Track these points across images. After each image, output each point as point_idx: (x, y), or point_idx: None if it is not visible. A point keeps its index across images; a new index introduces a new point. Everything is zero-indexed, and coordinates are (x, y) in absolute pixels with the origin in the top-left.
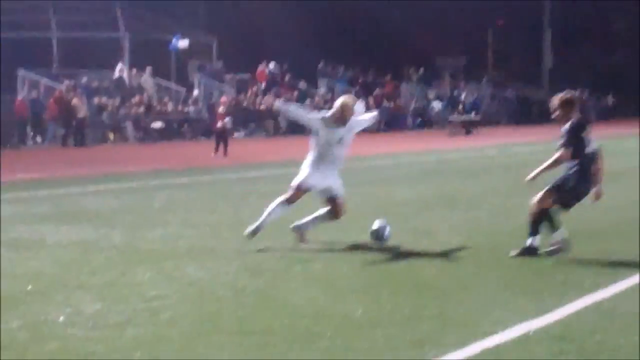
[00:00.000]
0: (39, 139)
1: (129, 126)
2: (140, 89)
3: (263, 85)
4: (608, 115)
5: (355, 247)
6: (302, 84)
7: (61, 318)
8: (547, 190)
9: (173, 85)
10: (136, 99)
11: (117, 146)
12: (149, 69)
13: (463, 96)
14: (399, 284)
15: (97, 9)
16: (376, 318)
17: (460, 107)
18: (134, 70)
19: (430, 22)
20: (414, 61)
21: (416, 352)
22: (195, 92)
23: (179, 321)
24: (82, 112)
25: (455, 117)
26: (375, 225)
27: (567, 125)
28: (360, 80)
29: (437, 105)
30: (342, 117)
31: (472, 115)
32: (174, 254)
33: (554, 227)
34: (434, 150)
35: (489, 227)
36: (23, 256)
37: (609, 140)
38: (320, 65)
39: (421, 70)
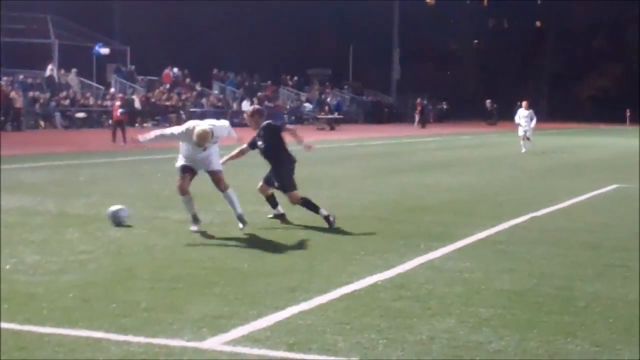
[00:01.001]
0: None
1: (57, 116)
2: (67, 86)
3: (168, 85)
4: (443, 118)
5: (247, 215)
6: (199, 86)
7: (7, 266)
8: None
9: (94, 84)
10: (63, 93)
11: (48, 132)
12: (74, 70)
13: (329, 99)
14: (276, 245)
15: (32, 19)
16: (258, 270)
17: (327, 108)
18: (62, 70)
19: (303, 39)
20: (290, 70)
21: (290, 296)
22: (112, 90)
23: (103, 270)
24: (19, 103)
25: (322, 115)
26: (114, 208)
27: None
28: (246, 84)
29: (308, 105)
30: (200, 143)
31: (336, 114)
32: (97, 218)
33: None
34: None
35: (347, 202)
36: None
37: (445, 137)
38: (214, 71)
39: (295, 78)
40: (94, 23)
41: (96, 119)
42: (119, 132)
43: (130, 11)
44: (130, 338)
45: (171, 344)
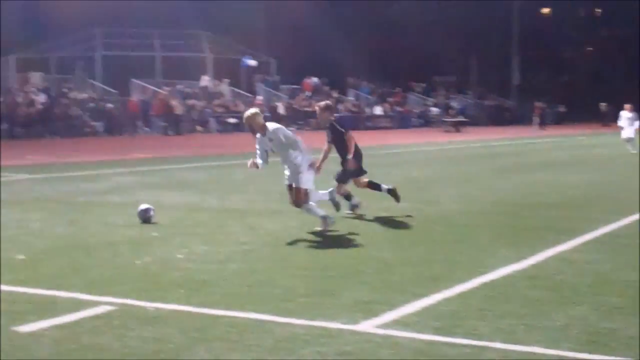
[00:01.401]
0: (147, 129)
1: (211, 121)
2: (220, 95)
3: (308, 93)
4: (560, 120)
5: (386, 210)
6: (336, 93)
7: (180, 256)
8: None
9: (243, 92)
10: (217, 101)
11: (203, 135)
12: (226, 80)
13: (453, 104)
14: (416, 237)
15: (189, 36)
16: (401, 260)
17: (452, 111)
18: (215, 81)
19: (430, 49)
20: (418, 78)
21: (433, 285)
22: (259, 98)
23: (263, 260)
24: (178, 110)
25: (448, 118)
26: (143, 206)
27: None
28: (378, 91)
29: (434, 110)
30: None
31: (461, 117)
32: (253, 212)
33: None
34: (433, 142)
35: (478, 198)
36: None
37: (562, 138)
38: (349, 79)
39: (422, 84)
40: (243, 38)
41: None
42: None
43: (275, 28)
44: (292, 320)
45: (329, 326)
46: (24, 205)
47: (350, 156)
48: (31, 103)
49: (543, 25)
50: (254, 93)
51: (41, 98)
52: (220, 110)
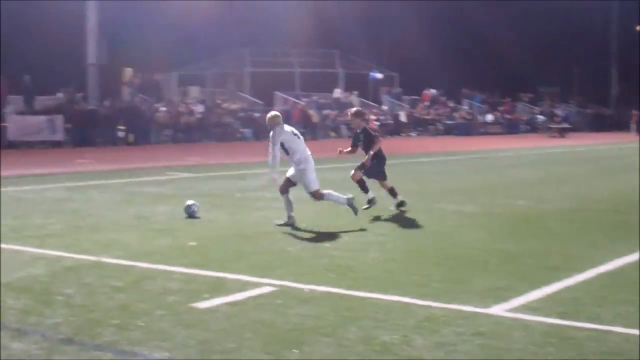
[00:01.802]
0: None
1: (342, 128)
2: (350, 105)
3: (427, 103)
4: None
5: (503, 206)
6: (451, 103)
7: (327, 244)
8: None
9: (371, 103)
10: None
11: (336, 140)
12: (355, 92)
13: (558, 112)
14: (533, 231)
15: (323, 54)
16: (522, 252)
17: (557, 118)
18: (346, 93)
19: (535, 62)
20: (525, 89)
21: (554, 274)
22: (384, 107)
23: (398, 249)
24: (315, 118)
25: (553, 125)
26: (188, 202)
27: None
28: (489, 101)
29: (540, 117)
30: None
31: (565, 124)
32: (385, 208)
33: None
34: (539, 147)
35: (586, 196)
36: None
37: None
38: (463, 90)
39: (530, 95)
40: (369, 55)
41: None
42: None
43: (398, 45)
44: (430, 303)
45: (464, 309)
46: (190, 200)
47: (371, 152)
48: (191, 113)
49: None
50: (379, 103)
51: (199, 108)
52: (349, 118)
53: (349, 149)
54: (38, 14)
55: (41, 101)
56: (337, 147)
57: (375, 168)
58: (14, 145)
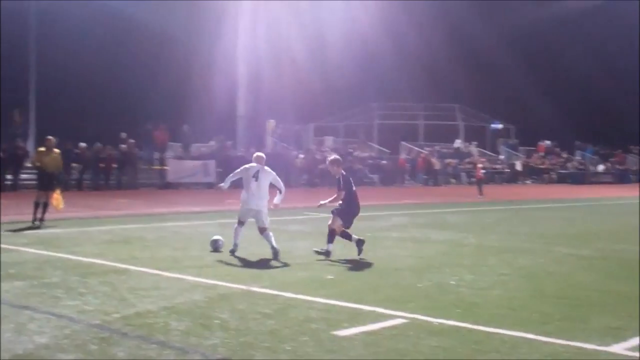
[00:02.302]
0: (412, 181)
1: (462, 175)
2: (469, 154)
3: (542, 153)
4: None
5: (620, 251)
6: (565, 154)
7: (452, 282)
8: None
9: (488, 152)
10: (467, 159)
11: (456, 187)
12: (474, 143)
13: None
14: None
15: (445, 108)
16: (638, 294)
17: None
18: (466, 143)
19: None
20: (636, 142)
21: None
22: (501, 157)
23: (520, 288)
24: (437, 166)
25: None
26: (215, 237)
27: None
28: (600, 152)
29: None
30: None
31: None
32: (506, 249)
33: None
34: None
35: None
36: (416, 247)
37: None
38: (577, 142)
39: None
40: (487, 109)
41: (490, 177)
42: (483, 187)
43: (514, 99)
44: (553, 340)
45: (585, 347)
46: (326, 237)
47: (331, 200)
48: (324, 160)
49: None
50: (497, 153)
51: (332, 155)
52: (469, 166)
53: (333, 197)
54: (196, 71)
55: (197, 148)
56: (457, 192)
57: (343, 212)
58: (172, 186)
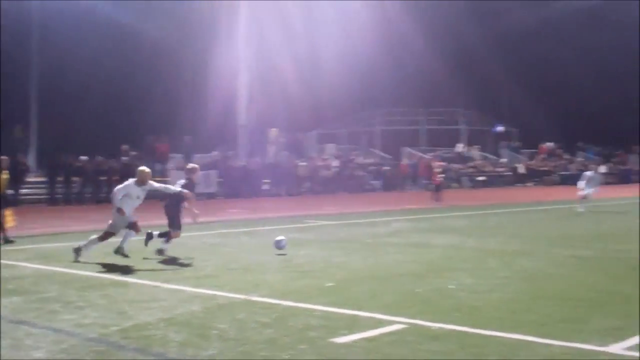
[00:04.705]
0: (414, 186)
1: (464, 179)
2: (471, 158)
3: (544, 155)
4: None
5: (620, 252)
6: (567, 155)
7: (452, 286)
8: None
9: (490, 156)
10: (469, 163)
11: (458, 190)
12: (476, 146)
13: None
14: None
15: (447, 112)
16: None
17: None
18: (467, 147)
19: None
20: (637, 141)
21: None
22: (503, 160)
23: (520, 291)
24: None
25: None
26: (279, 237)
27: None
28: (603, 153)
29: None
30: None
31: None
32: (507, 252)
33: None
34: None
35: None
36: (417, 252)
37: None
38: (579, 143)
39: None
40: (489, 112)
41: (494, 180)
42: (442, 193)
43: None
44: (552, 341)
45: (584, 348)
46: (327, 244)
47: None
48: (327, 167)
49: None
50: (499, 156)
51: (335, 163)
52: (471, 170)
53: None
54: (198, 82)
55: (199, 158)
56: (459, 196)
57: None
58: None
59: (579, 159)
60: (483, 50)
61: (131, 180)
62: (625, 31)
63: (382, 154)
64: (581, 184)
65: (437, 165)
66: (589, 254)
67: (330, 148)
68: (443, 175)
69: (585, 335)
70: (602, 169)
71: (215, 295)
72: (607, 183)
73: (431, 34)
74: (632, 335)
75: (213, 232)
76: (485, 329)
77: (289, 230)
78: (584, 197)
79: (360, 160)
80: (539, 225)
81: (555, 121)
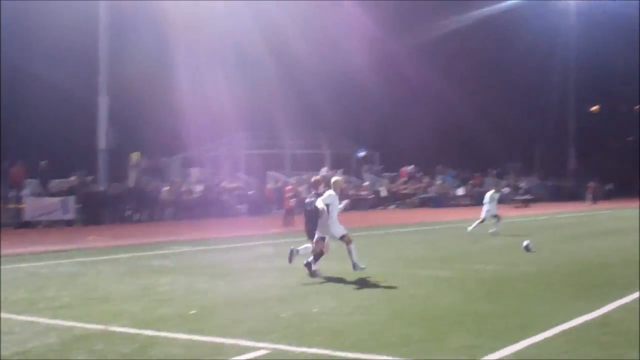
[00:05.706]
0: (279, 209)
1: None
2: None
3: (404, 179)
4: (609, 196)
5: (477, 272)
6: (426, 178)
7: (315, 310)
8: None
9: (353, 178)
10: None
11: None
12: (340, 170)
13: (522, 184)
14: (502, 294)
15: (311, 136)
16: (494, 313)
17: (520, 190)
18: (332, 171)
19: (502, 142)
20: (492, 165)
21: (522, 332)
22: (366, 183)
23: (382, 312)
24: (304, 194)
25: (517, 197)
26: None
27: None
28: (461, 175)
29: (506, 190)
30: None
31: (527, 196)
32: (371, 274)
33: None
34: (506, 216)
35: (549, 260)
36: (282, 275)
37: (612, 210)
38: (438, 167)
39: (495, 170)
40: (352, 136)
41: (356, 204)
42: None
43: (379, 128)
44: None
45: None
46: (191, 271)
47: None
48: (190, 192)
49: (593, 121)
50: (361, 179)
51: (199, 187)
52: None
53: None
54: (53, 104)
55: (55, 184)
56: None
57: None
58: (30, 225)
59: (438, 182)
60: (344, 76)
61: (332, 192)
62: (482, 61)
63: (247, 177)
64: (485, 205)
65: (288, 190)
66: (449, 274)
67: (195, 172)
68: (294, 199)
69: (444, 353)
70: (460, 191)
71: (72, 326)
72: (465, 205)
73: (292, 59)
74: (488, 352)
75: (70, 260)
76: (347, 351)
77: (151, 258)
78: (497, 217)
79: (226, 184)
80: (400, 247)
81: (415, 145)
